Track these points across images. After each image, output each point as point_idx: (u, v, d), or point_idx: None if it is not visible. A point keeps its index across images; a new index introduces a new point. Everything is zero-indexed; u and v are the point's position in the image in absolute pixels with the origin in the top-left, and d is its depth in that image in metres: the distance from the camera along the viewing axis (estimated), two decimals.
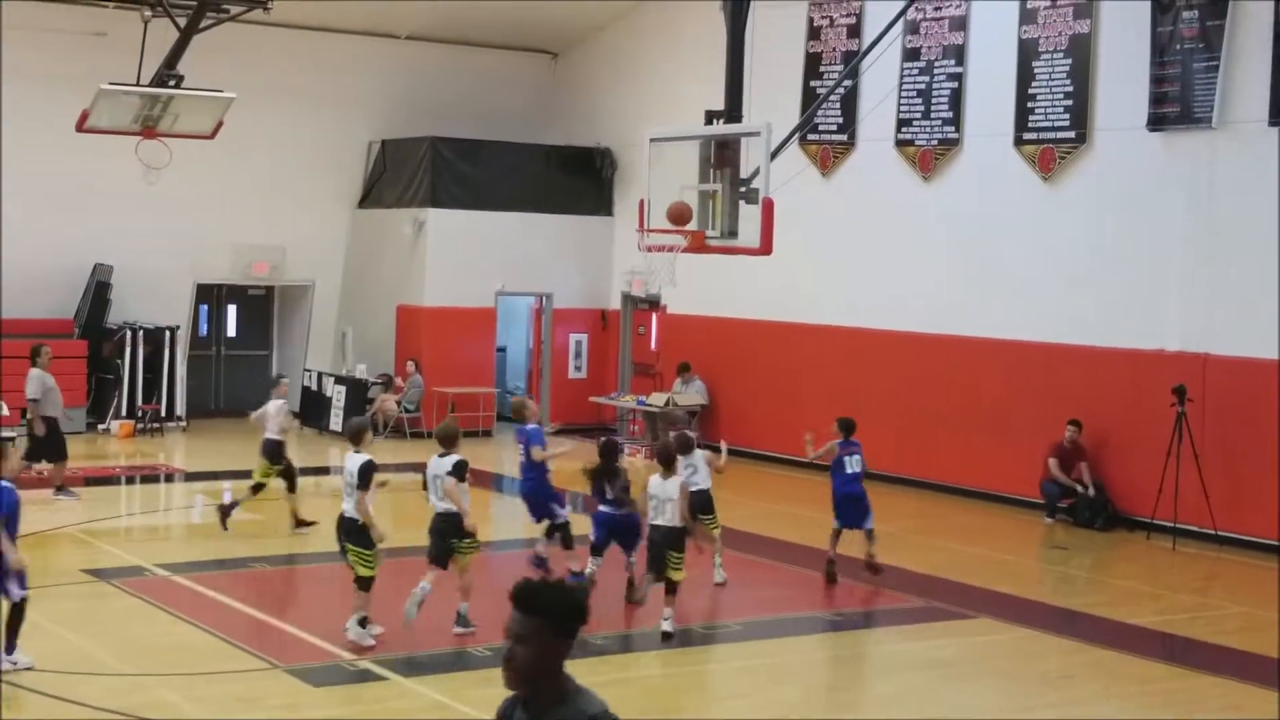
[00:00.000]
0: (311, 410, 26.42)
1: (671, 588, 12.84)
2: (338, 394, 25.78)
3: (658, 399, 24.57)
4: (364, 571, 12.23)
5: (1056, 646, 13.29)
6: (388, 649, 12.23)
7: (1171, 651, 13.38)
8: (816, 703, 11.49)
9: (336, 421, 25.43)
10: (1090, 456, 19.31)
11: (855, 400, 22.55)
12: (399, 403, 25.54)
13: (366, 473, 12.20)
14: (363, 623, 12.22)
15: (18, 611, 11.35)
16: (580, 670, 11.95)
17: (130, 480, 21.09)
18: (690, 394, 24.62)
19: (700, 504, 14.36)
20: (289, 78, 26.56)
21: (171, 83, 18.17)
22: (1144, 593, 15.81)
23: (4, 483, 11.28)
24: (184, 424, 25.76)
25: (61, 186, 24.70)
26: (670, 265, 15.60)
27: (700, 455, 14.97)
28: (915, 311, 21.79)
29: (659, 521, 12.85)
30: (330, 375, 26.40)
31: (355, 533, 12.24)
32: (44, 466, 18.59)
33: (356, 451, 12.50)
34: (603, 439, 15.26)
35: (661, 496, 12.85)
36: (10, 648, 11.31)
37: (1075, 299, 19.80)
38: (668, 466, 13.16)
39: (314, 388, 26.48)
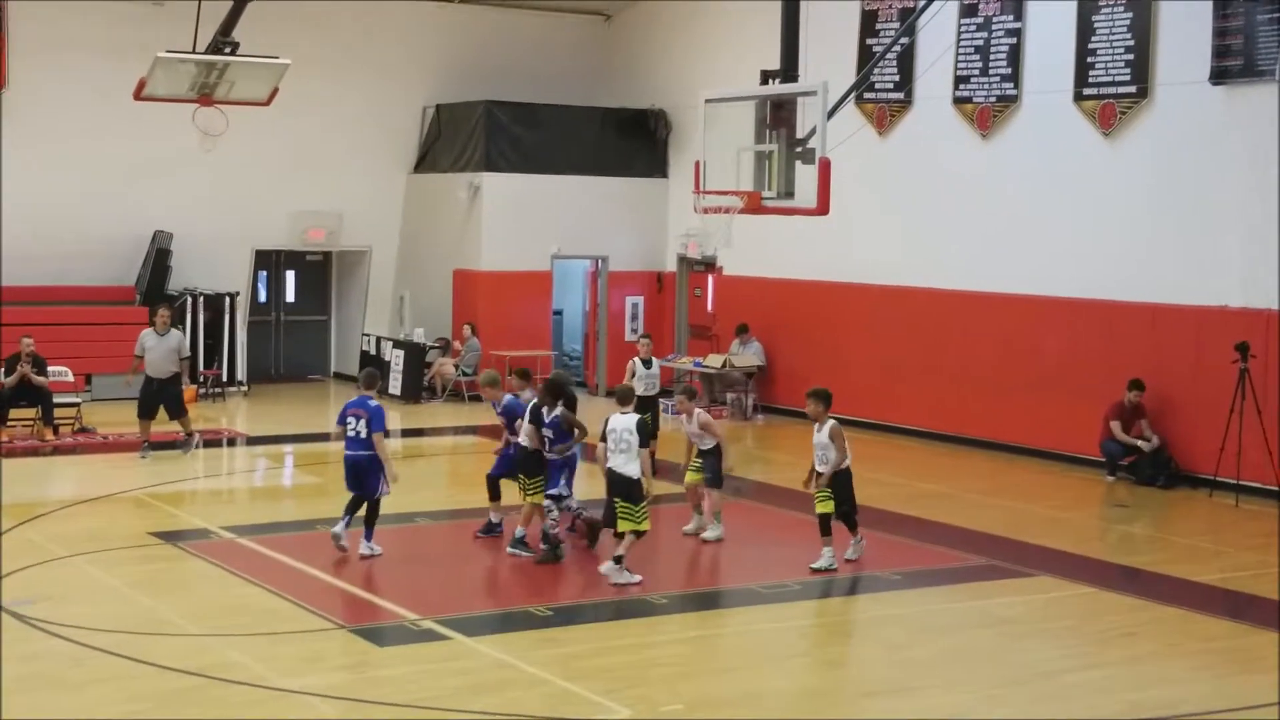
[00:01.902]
0: None
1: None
2: (396, 358, 25.94)
3: (714, 361, 24.58)
4: (626, 526, 13.04)
5: (1118, 604, 13.25)
6: (449, 610, 12.36)
7: (1234, 608, 13.30)
8: (876, 660, 11.51)
9: (395, 385, 25.60)
10: (1151, 415, 19.18)
11: (913, 361, 22.54)
12: (456, 366, 25.69)
13: (642, 430, 13.11)
14: (618, 560, 13.07)
15: (375, 507, 13.94)
16: (639, 630, 12.05)
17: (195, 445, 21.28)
18: (747, 355, 24.62)
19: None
20: (343, 44, 26.67)
21: (227, 50, 18.24)
22: (1206, 550, 15.71)
23: (373, 401, 13.98)
24: (245, 388, 26.02)
25: (121, 155, 24.96)
26: (726, 227, 15.57)
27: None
28: (974, 271, 21.68)
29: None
30: (388, 339, 26.56)
31: (624, 488, 13.04)
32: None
33: (624, 412, 13.24)
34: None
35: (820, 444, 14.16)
36: (369, 534, 13.96)
37: (1136, 256, 19.64)
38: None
39: (372, 352, 26.64)
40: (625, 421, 13.18)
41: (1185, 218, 19.11)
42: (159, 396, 19.36)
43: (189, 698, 10.08)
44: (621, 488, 13.10)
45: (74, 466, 19.44)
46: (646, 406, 18.57)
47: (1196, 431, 18.70)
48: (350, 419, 13.88)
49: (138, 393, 19.64)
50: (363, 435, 13.78)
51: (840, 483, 14.16)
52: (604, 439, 13.32)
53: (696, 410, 14.92)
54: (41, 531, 14.93)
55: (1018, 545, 15.41)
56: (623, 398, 13.59)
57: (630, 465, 13.06)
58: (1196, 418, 18.75)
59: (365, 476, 13.85)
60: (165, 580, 13.35)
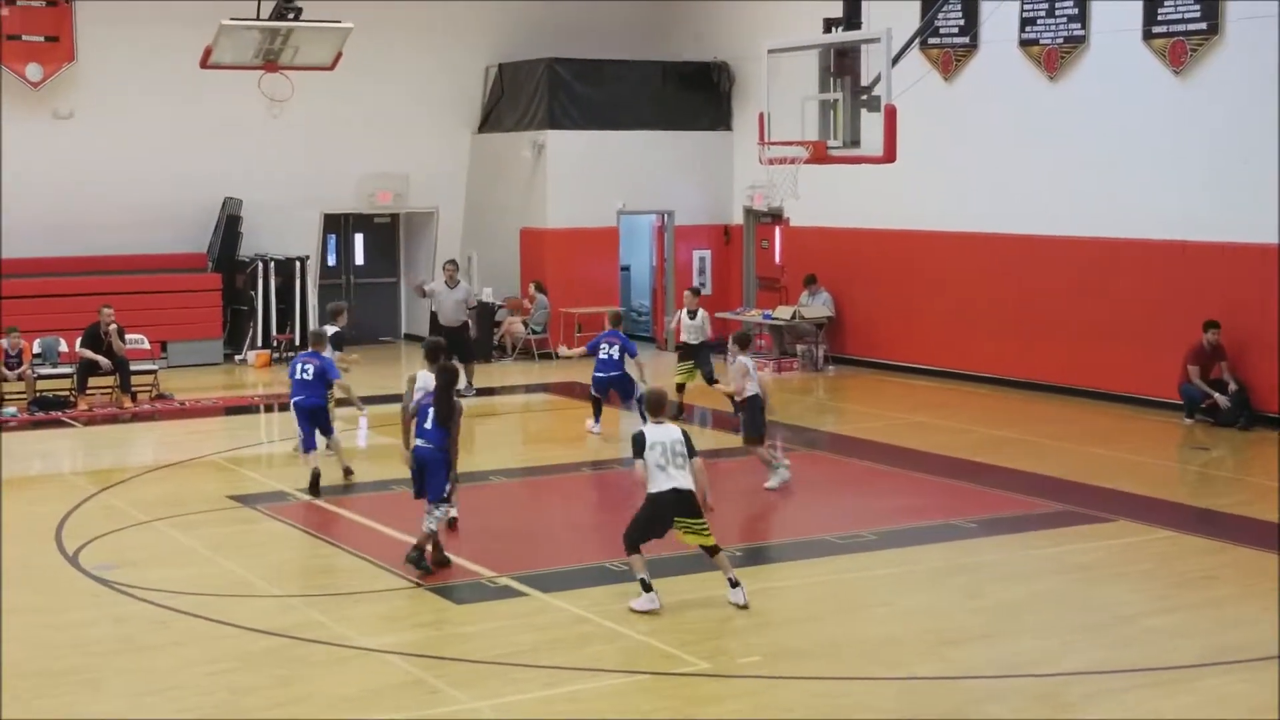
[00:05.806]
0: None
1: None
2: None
3: (783, 312, 24.51)
4: (708, 541, 11.37)
5: (1197, 547, 13.13)
6: (525, 566, 12.43)
7: None
8: (953, 609, 11.48)
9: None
10: (1230, 357, 18.94)
11: (985, 307, 22.37)
12: (526, 324, 25.76)
13: (689, 441, 11.37)
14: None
15: None
16: (714, 582, 11.99)
17: (268, 408, 21.52)
18: (816, 306, 24.53)
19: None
20: (405, 5, 26.67)
21: (290, 15, 18.34)
22: None
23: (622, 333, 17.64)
24: None
25: (189, 123, 25.18)
26: (792, 178, 15.49)
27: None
28: (1044, 215, 21.46)
29: None
30: None
31: (686, 505, 11.24)
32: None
33: (658, 422, 11.49)
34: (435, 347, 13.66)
35: None
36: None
37: (1210, 196, 19.35)
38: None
39: None
40: (672, 434, 11.28)
41: (1259, 154, 18.78)
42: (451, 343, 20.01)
43: (271, 658, 10.22)
44: (687, 505, 11.21)
45: (152, 432, 19.74)
46: (694, 353, 19.60)
47: (1275, 372, 18.46)
48: (604, 345, 18.05)
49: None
50: (615, 358, 17.93)
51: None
52: (639, 455, 11.23)
53: (740, 358, 15.37)
54: (122, 497, 15.16)
55: (1094, 490, 15.29)
56: (656, 406, 11.73)
57: (689, 479, 11.26)
58: (1274, 358, 18.50)
59: (620, 387, 18.24)
60: (245, 542, 13.52)
